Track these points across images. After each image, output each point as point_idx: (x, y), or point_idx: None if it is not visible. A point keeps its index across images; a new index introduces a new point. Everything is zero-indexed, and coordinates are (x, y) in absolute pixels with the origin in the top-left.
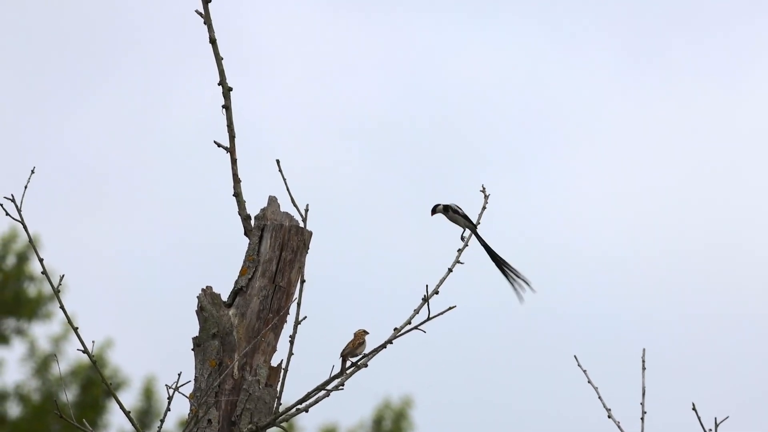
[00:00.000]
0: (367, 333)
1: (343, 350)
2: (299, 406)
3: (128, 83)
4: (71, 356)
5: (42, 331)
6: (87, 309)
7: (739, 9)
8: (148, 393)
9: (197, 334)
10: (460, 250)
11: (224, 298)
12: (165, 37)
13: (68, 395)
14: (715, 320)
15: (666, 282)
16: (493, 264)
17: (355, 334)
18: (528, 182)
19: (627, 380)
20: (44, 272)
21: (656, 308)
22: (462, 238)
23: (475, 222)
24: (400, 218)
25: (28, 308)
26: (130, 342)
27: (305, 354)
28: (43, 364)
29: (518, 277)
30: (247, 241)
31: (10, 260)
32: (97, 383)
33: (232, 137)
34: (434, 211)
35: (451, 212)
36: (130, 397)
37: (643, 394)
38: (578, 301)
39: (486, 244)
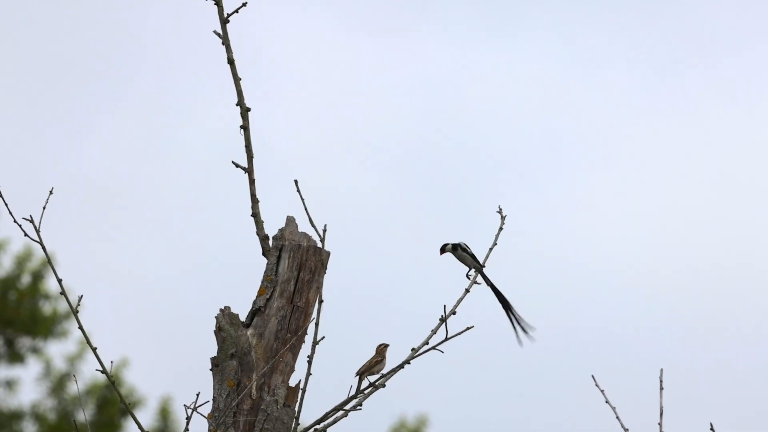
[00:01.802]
0: (387, 345)
1: (360, 368)
2: (317, 427)
3: (146, 103)
4: (87, 375)
5: (57, 350)
6: (102, 328)
7: (756, 30)
8: (164, 413)
9: (215, 355)
10: (469, 285)
11: (242, 318)
12: (183, 58)
13: (84, 415)
14: (734, 337)
15: (686, 299)
16: (499, 304)
17: (377, 349)
18: (548, 201)
19: (645, 397)
20: (63, 293)
21: (675, 325)
22: (467, 276)
23: (482, 262)
24: (417, 238)
25: (44, 327)
26: (146, 362)
27: (323, 374)
28: (59, 383)
29: (520, 323)
30: (265, 261)
31: (25, 279)
32: (112, 403)
33: (250, 158)
34: (443, 250)
35: (460, 251)
36: (146, 417)
37: (661, 414)
38: (596, 317)
39: (492, 284)
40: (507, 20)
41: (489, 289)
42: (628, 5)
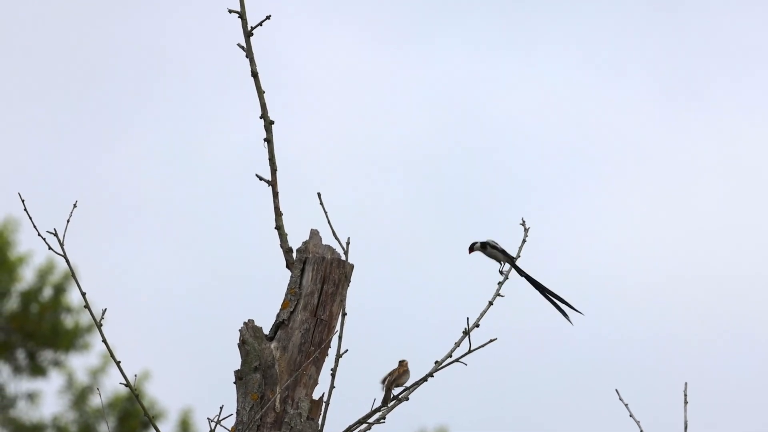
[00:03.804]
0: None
1: (388, 379)
2: None
3: (169, 116)
4: (108, 388)
5: (79, 363)
6: (124, 340)
7: None
8: (184, 425)
9: (239, 368)
10: (500, 283)
11: (266, 331)
12: (206, 71)
13: (108, 427)
14: (760, 349)
15: (709, 310)
16: (538, 292)
17: (400, 362)
18: (573, 213)
19: (669, 411)
20: (87, 306)
21: (699, 337)
22: (501, 273)
23: (515, 255)
24: (441, 251)
25: (66, 340)
26: (167, 374)
27: (347, 387)
28: (80, 396)
29: (564, 302)
30: (288, 274)
31: (47, 292)
32: (134, 415)
33: (273, 170)
34: (472, 249)
35: (489, 248)
36: (166, 430)
37: (686, 428)
38: (619, 329)
39: (527, 275)
40: (528, 31)
41: (524, 279)
42: (651, 17)
